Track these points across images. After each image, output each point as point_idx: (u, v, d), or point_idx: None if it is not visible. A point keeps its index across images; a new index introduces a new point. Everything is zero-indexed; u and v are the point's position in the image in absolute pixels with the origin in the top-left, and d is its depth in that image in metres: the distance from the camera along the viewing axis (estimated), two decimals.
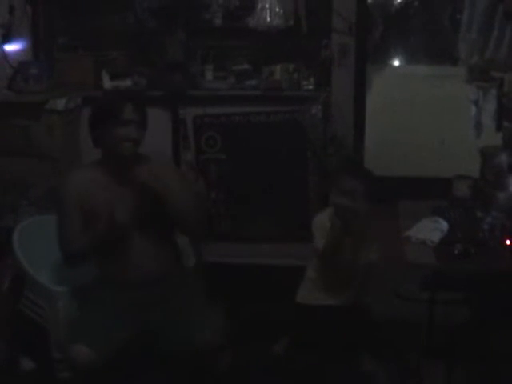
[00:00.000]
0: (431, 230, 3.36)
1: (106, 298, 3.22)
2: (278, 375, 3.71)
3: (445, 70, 7.02)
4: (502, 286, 3.32)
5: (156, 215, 3.21)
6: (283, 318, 3.92)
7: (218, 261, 4.43)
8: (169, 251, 3.33)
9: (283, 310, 3.90)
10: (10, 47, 4.48)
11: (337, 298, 3.68)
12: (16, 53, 4.53)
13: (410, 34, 7.51)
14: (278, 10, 4.44)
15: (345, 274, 3.65)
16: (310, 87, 4.58)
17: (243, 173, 4.73)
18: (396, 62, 7.79)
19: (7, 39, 4.43)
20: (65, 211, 3.17)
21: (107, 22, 4.74)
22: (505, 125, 4.03)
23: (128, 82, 4.66)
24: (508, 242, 3.20)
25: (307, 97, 4.51)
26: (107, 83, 4.66)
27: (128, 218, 3.11)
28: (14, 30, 4.47)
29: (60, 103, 4.38)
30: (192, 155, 4.75)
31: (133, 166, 3.18)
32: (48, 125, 4.35)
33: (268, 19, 4.43)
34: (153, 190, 3.13)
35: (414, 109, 7.24)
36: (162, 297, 3.24)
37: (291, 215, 4.70)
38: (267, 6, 4.44)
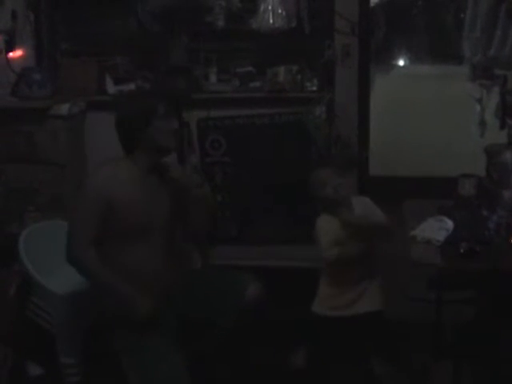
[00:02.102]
0: (436, 229, 3.35)
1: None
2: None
3: (449, 69, 6.98)
4: (508, 285, 3.31)
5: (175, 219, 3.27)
6: (292, 321, 3.92)
7: (224, 263, 4.42)
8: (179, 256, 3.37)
9: (292, 313, 3.90)
10: (13, 53, 4.48)
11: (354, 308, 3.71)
12: (19, 59, 4.54)
13: (414, 33, 7.49)
14: (280, 11, 4.43)
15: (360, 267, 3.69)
16: (314, 88, 4.58)
17: (248, 175, 4.73)
18: (400, 62, 7.76)
19: (10, 45, 4.44)
20: (89, 209, 3.11)
21: (110, 27, 4.75)
22: (509, 123, 4.02)
23: (132, 87, 4.66)
24: None
25: (311, 98, 4.50)
26: (111, 88, 4.66)
27: (161, 217, 3.18)
28: (16, 37, 4.48)
29: (64, 109, 4.39)
30: (197, 158, 4.75)
31: (165, 166, 3.28)
32: (52, 130, 4.36)
33: (271, 21, 4.42)
34: (185, 192, 3.21)
35: (419, 108, 7.22)
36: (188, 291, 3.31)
37: (296, 217, 4.69)
38: (270, 7, 4.42)
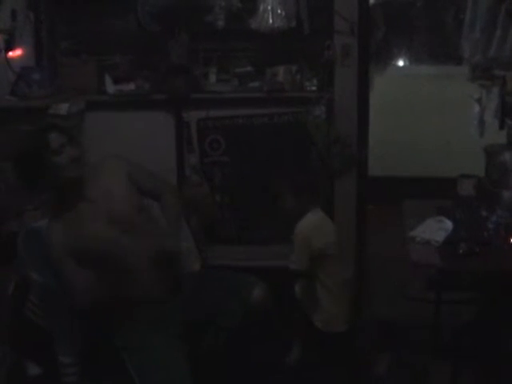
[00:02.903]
0: (436, 229, 3.35)
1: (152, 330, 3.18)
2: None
3: (448, 69, 7.01)
4: (508, 285, 3.31)
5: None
6: (289, 321, 3.92)
7: (223, 264, 4.42)
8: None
9: (290, 313, 3.90)
10: (13, 53, 4.47)
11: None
12: (19, 58, 4.53)
13: (413, 33, 7.50)
14: (280, 11, 4.43)
15: None
16: (313, 88, 4.57)
17: (247, 175, 4.72)
18: (399, 62, 7.78)
19: (10, 45, 4.42)
20: (66, 265, 3.17)
21: (109, 26, 4.74)
22: (508, 123, 4.02)
23: (131, 86, 4.65)
24: None
25: (310, 98, 4.50)
26: (110, 87, 4.65)
27: (121, 231, 3.15)
28: (16, 36, 4.47)
29: (63, 108, 4.37)
30: (196, 159, 4.75)
31: (85, 184, 3.22)
32: None
33: (270, 21, 4.42)
34: (122, 187, 3.20)
35: (418, 108, 7.24)
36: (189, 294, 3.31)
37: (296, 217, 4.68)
38: (269, 7, 4.43)
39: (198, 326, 3.31)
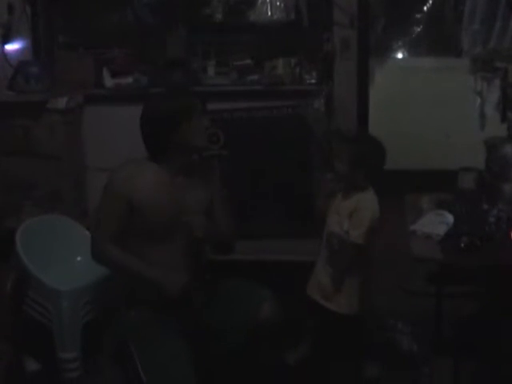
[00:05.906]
0: (437, 223, 3.33)
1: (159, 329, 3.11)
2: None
3: (448, 61, 7.00)
4: (509, 279, 3.30)
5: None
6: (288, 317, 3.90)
7: (223, 258, 4.40)
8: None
9: (292, 308, 3.88)
10: (10, 47, 4.47)
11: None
12: (16, 52, 4.53)
13: (413, 25, 7.50)
14: (278, 3, 4.43)
15: None
16: (313, 81, 4.55)
17: (247, 168, 4.70)
18: (399, 55, 7.76)
19: (7, 39, 4.44)
20: (109, 206, 3.09)
21: (107, 19, 4.74)
22: (509, 116, 4.01)
23: (129, 80, 4.64)
24: None
25: (310, 91, 4.48)
26: (108, 81, 4.64)
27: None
28: (13, 30, 4.48)
29: (61, 102, 4.36)
30: None
31: (198, 169, 3.23)
32: (49, 124, 4.34)
33: (269, 13, 4.42)
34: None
35: (418, 101, 7.23)
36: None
37: (295, 211, 4.66)
38: (268, 0, 4.42)
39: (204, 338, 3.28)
